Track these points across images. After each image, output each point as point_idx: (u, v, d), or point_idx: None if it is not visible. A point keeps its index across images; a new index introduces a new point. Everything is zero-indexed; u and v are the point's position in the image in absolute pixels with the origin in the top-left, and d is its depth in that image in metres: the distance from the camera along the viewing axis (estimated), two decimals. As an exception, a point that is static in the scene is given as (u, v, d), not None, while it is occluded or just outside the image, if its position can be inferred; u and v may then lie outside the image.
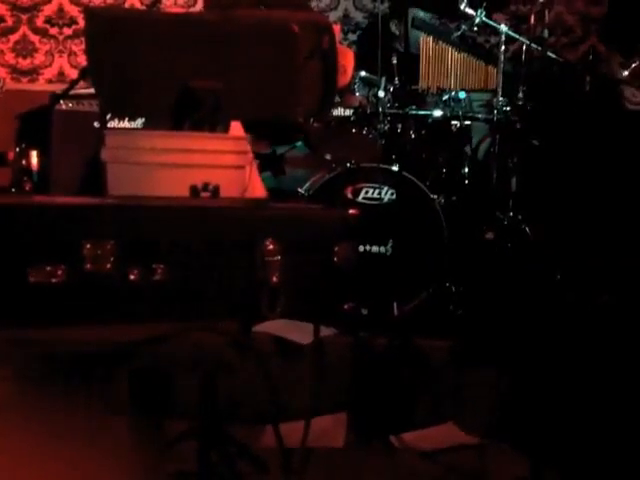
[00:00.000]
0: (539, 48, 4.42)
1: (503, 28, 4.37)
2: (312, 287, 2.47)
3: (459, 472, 2.52)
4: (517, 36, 4.44)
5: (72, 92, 3.74)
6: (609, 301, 3.63)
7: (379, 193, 3.97)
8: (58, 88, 3.91)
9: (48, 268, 2.22)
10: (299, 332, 2.68)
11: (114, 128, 3.73)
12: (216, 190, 2.75)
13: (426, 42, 4.73)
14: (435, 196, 4.03)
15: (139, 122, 3.82)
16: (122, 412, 2.44)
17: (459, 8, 4.45)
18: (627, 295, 3.66)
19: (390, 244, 3.97)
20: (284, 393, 2.70)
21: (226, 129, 3.22)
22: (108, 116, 3.74)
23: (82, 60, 5.13)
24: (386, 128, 4.26)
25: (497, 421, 2.74)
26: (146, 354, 2.63)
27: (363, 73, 4.44)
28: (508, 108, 4.34)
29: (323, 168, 4.09)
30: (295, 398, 2.64)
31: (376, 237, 3.95)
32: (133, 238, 2.34)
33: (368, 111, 4.31)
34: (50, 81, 5.24)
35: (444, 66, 4.71)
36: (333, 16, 5.43)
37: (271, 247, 2.35)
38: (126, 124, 3.84)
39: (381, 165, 4.01)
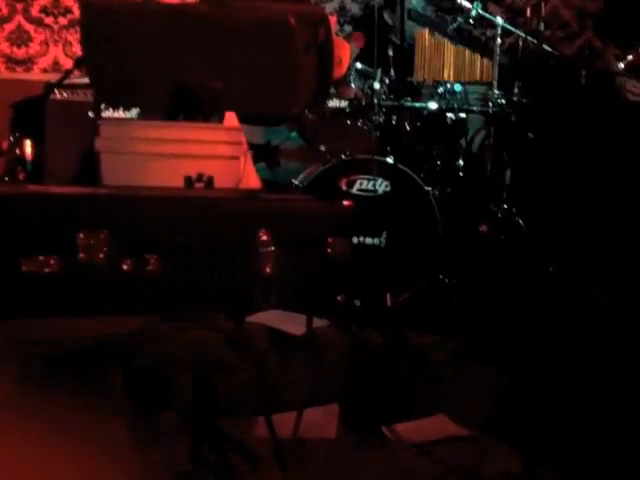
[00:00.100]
0: (535, 41, 4.42)
1: (499, 21, 4.37)
2: (305, 278, 2.47)
3: (450, 464, 2.52)
4: (513, 29, 4.44)
5: (67, 82, 3.73)
6: (603, 296, 3.63)
7: (373, 185, 3.97)
8: (53, 78, 3.89)
9: (41, 258, 2.22)
10: (292, 323, 2.67)
11: (108, 118, 3.72)
12: (210, 181, 2.75)
13: (422, 34, 4.73)
14: (430, 188, 4.03)
15: (134, 112, 3.81)
16: (121, 410, 2.44)
17: (455, 0, 4.45)
18: (622, 289, 3.67)
19: (384, 236, 3.97)
20: (276, 384, 2.70)
21: (220, 120, 3.22)
22: (102, 106, 3.73)
23: (77, 50, 5.11)
24: (381, 120, 4.26)
25: (491, 415, 2.75)
26: (139, 350, 2.62)
27: (359, 65, 4.43)
28: (503, 101, 4.34)
29: (318, 160, 4.09)
30: (287, 389, 2.64)
31: (370, 229, 3.95)
32: (126, 228, 2.35)
33: (363, 103, 4.30)
34: (45, 70, 5.22)
35: (440, 58, 4.70)
36: (329, 7, 5.41)
37: (264, 238, 2.36)
38: (121, 114, 3.83)
39: (376, 157, 4.00)
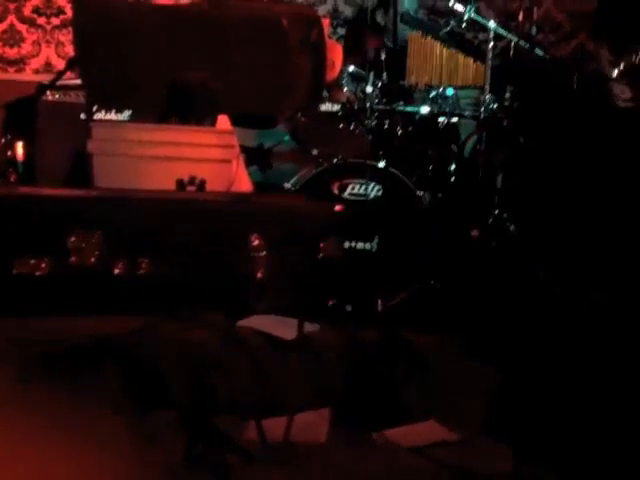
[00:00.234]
0: (527, 45, 4.43)
1: (492, 25, 4.38)
2: (297, 282, 2.47)
3: (441, 467, 2.53)
4: (506, 33, 4.44)
5: (59, 83, 3.72)
6: (595, 298, 3.64)
7: (365, 189, 3.97)
8: (45, 78, 3.89)
9: (32, 261, 2.21)
10: (283, 327, 2.68)
11: (100, 120, 3.72)
12: (202, 184, 2.74)
13: (414, 37, 4.73)
14: (421, 193, 4.03)
15: (126, 114, 3.80)
16: (120, 408, 2.45)
17: (448, 4, 4.45)
18: (613, 292, 3.68)
19: (376, 240, 3.97)
20: (268, 388, 2.70)
21: (213, 123, 3.22)
22: (95, 108, 3.72)
23: (69, 50, 5.09)
24: (373, 124, 4.26)
25: (486, 416, 2.75)
26: (137, 349, 2.63)
27: (351, 68, 4.44)
28: (495, 106, 4.34)
29: (310, 163, 4.09)
30: (279, 393, 2.64)
31: (362, 233, 3.95)
32: (118, 231, 2.34)
33: (356, 106, 4.31)
34: (37, 71, 5.20)
35: (432, 62, 4.71)
36: (322, 10, 5.41)
37: (256, 242, 2.35)
38: (113, 116, 3.82)
39: (368, 161, 4.01)
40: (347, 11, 5.46)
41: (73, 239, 2.26)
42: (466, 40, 5.15)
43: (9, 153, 3.40)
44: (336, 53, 4.22)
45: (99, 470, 2.18)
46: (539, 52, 4.49)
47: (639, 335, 3.23)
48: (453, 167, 4.41)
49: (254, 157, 4.26)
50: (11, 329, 2.37)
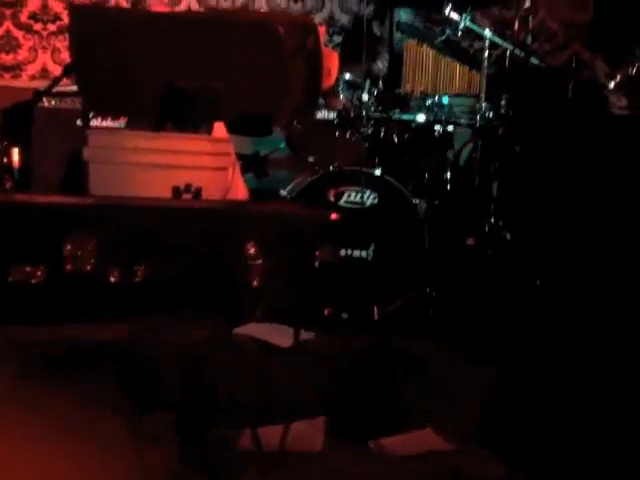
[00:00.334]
0: (523, 54, 4.44)
1: (487, 33, 4.39)
2: (293, 290, 2.47)
3: (435, 477, 2.52)
4: (501, 41, 4.46)
5: (55, 89, 3.72)
6: (588, 308, 3.65)
7: (361, 197, 3.98)
8: (41, 85, 3.88)
9: (28, 268, 2.21)
10: (279, 335, 2.67)
11: (97, 127, 3.71)
12: (198, 192, 2.75)
13: (410, 46, 4.74)
14: (417, 201, 4.04)
15: (122, 121, 3.80)
16: (119, 409, 2.44)
17: (444, 13, 4.46)
18: (610, 298, 3.69)
19: (372, 248, 3.98)
20: (263, 396, 2.70)
21: (209, 130, 3.22)
22: (91, 114, 3.72)
23: (66, 57, 5.09)
24: (369, 132, 4.27)
25: (478, 426, 2.75)
26: (135, 350, 2.63)
27: (347, 76, 4.44)
28: (491, 113, 4.35)
29: (306, 170, 4.09)
30: (274, 401, 2.64)
31: (358, 241, 3.95)
32: (114, 239, 2.34)
33: (352, 114, 4.31)
34: (33, 77, 5.20)
35: (428, 70, 4.72)
36: (319, 18, 5.42)
37: (252, 251, 2.35)
38: (109, 123, 3.82)
39: (364, 169, 4.01)
40: (343, 19, 5.46)
41: (69, 247, 2.26)
42: (462, 49, 5.16)
43: (5, 160, 3.39)
44: (332, 61, 4.23)
45: (99, 470, 2.18)
46: (534, 61, 4.51)
47: (636, 340, 3.24)
48: (449, 175, 4.41)
49: (250, 164, 4.26)
50: (10, 332, 2.37)
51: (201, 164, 2.94)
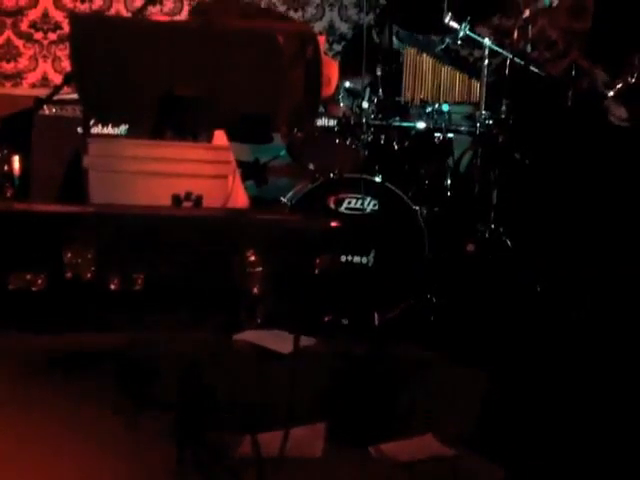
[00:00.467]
0: (522, 62, 4.45)
1: (487, 42, 4.40)
2: (293, 298, 2.47)
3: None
4: (500, 50, 4.47)
5: (56, 97, 3.73)
6: (588, 315, 3.66)
7: (362, 204, 3.98)
8: (42, 93, 3.89)
9: (28, 276, 2.22)
10: (279, 342, 2.68)
11: (97, 134, 3.72)
12: (198, 200, 2.75)
13: (410, 54, 4.75)
14: (417, 207, 4.04)
15: (122, 129, 3.81)
16: (119, 409, 2.45)
17: (443, 21, 4.47)
18: (610, 305, 3.69)
19: (372, 255, 3.98)
20: (263, 402, 2.70)
21: (209, 138, 3.22)
22: (91, 122, 3.73)
23: (66, 65, 5.11)
24: (369, 139, 4.28)
25: (475, 432, 2.76)
26: (134, 352, 2.63)
27: (347, 84, 4.45)
28: (491, 121, 4.36)
29: (306, 178, 4.10)
30: (274, 407, 2.64)
31: (358, 248, 3.96)
32: (114, 247, 2.34)
33: (352, 122, 4.32)
34: (34, 86, 5.22)
35: (427, 78, 4.73)
36: (318, 26, 5.43)
37: (252, 258, 2.36)
38: (109, 130, 3.83)
39: (364, 176, 4.02)
40: (343, 28, 5.48)
41: (69, 254, 2.27)
42: (461, 57, 5.19)
43: (5, 167, 3.40)
44: (332, 69, 4.24)
45: (99, 470, 2.18)
46: (534, 69, 4.52)
47: (635, 348, 3.24)
48: (449, 182, 4.42)
49: (250, 172, 4.28)
50: (11, 340, 2.38)
51: (201, 172, 2.94)
